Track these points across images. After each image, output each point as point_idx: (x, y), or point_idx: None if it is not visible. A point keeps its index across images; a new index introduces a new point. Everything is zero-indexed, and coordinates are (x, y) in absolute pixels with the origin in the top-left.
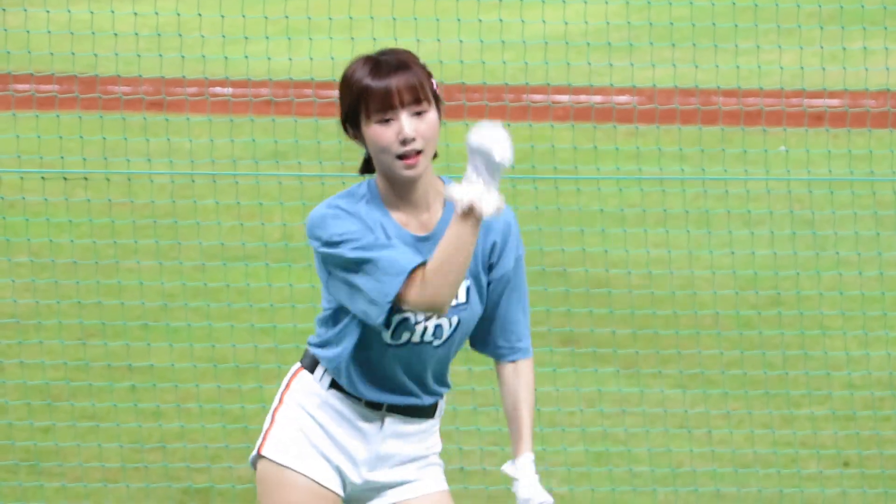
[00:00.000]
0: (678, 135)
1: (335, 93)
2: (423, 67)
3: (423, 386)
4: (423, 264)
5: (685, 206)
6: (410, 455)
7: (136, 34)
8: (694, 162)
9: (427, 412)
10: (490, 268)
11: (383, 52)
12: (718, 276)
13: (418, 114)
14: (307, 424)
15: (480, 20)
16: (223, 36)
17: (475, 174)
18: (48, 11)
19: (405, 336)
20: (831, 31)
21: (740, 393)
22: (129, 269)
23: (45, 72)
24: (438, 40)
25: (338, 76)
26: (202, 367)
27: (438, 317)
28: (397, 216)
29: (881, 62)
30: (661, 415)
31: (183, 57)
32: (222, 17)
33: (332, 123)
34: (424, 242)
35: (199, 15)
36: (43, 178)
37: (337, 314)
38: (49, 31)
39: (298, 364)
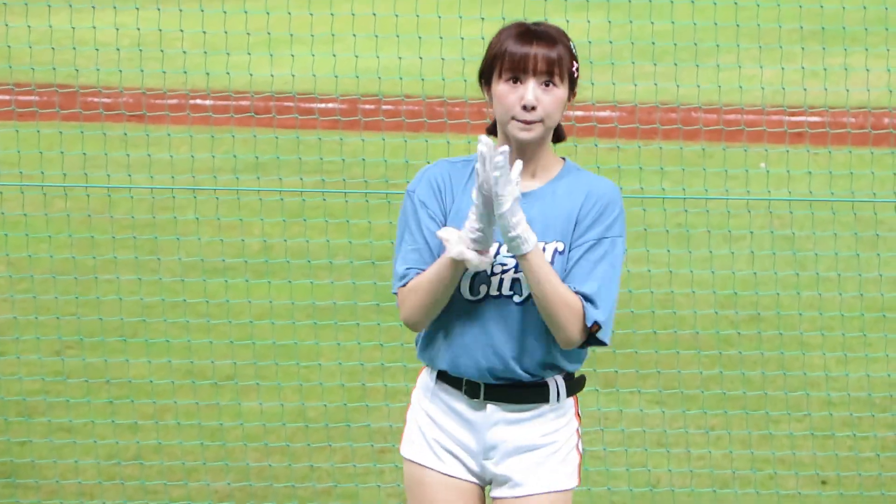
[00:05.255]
0: (659, 152)
1: (317, 106)
2: (569, 48)
3: (519, 356)
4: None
5: (665, 223)
6: (520, 444)
7: (118, 49)
8: (675, 179)
9: (532, 395)
10: (574, 235)
11: (537, 23)
12: (698, 295)
13: (546, 85)
14: (423, 420)
15: (462, 38)
16: (205, 51)
17: (477, 221)
18: (29, 25)
19: (483, 289)
20: (812, 51)
21: (719, 412)
22: (109, 282)
23: (27, 84)
24: (420, 57)
25: (319, 92)
26: (180, 382)
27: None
28: None
29: (862, 82)
30: (640, 433)
31: (164, 72)
32: (204, 32)
33: (314, 138)
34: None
35: (182, 31)
36: (22, 191)
37: None
38: (30, 45)
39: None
